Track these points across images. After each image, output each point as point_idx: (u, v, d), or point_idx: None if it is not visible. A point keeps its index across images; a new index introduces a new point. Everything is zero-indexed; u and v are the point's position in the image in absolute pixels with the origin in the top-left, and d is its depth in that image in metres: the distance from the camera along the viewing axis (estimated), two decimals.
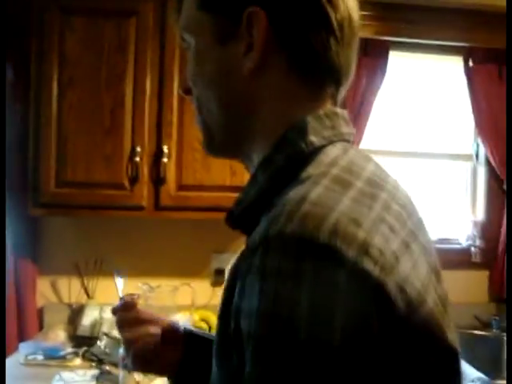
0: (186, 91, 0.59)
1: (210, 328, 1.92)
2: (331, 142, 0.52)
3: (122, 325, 0.74)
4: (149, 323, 0.74)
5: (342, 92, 0.57)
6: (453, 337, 0.45)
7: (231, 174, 1.77)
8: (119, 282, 0.87)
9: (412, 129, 2.27)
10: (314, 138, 0.51)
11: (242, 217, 0.55)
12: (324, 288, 0.37)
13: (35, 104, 1.79)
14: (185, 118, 1.77)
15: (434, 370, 0.42)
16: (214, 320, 1.95)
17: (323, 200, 0.42)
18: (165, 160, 1.75)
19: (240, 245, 1.89)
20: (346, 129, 0.55)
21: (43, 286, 2.05)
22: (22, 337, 1.94)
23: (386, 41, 2.07)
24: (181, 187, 1.77)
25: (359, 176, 0.47)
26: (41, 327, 2.04)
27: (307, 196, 0.42)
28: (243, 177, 1.76)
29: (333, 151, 0.50)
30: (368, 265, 0.38)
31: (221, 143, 0.59)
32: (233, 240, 2.08)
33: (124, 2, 1.78)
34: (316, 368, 0.35)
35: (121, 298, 0.78)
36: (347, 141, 0.54)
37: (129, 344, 0.73)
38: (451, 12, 2.02)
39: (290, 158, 0.50)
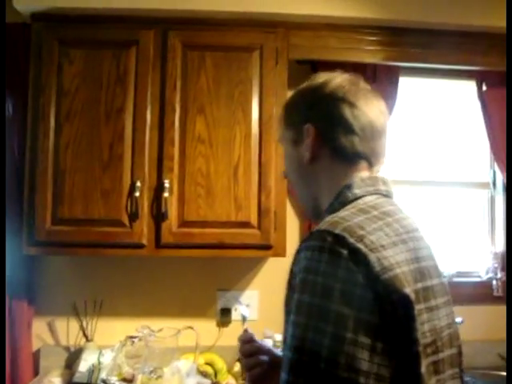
0: (286, 176, 0.95)
1: (215, 372, 1.80)
2: (370, 194, 0.82)
3: (243, 354, 0.98)
4: (262, 353, 0.97)
5: (378, 168, 0.88)
6: (414, 293, 0.71)
7: (236, 209, 1.67)
8: (244, 310, 1.00)
9: (425, 157, 2.18)
10: (357, 191, 0.81)
11: None
12: (334, 256, 0.68)
13: (32, 138, 1.72)
14: (187, 152, 1.69)
15: (394, 308, 0.67)
16: (219, 363, 1.83)
17: (345, 217, 0.74)
18: (166, 195, 1.66)
19: (245, 282, 1.77)
20: (383, 187, 0.85)
21: (39, 327, 1.94)
22: (14, 383, 1.83)
23: (396, 66, 1.99)
24: (183, 223, 1.68)
25: (377, 209, 0.77)
26: (36, 371, 1.93)
27: (337, 215, 0.75)
28: (249, 212, 1.67)
29: (368, 198, 0.81)
30: (360, 246, 0.69)
31: (313, 209, 0.90)
32: (238, 277, 1.98)
33: (123, 32, 1.72)
34: (324, 304, 0.66)
35: (245, 330, 1.01)
36: (384, 195, 0.84)
37: (247, 370, 0.97)
38: (463, 35, 1.93)
39: (341, 203, 0.80)
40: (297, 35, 1.82)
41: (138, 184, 1.66)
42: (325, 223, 0.72)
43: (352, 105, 0.83)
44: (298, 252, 0.72)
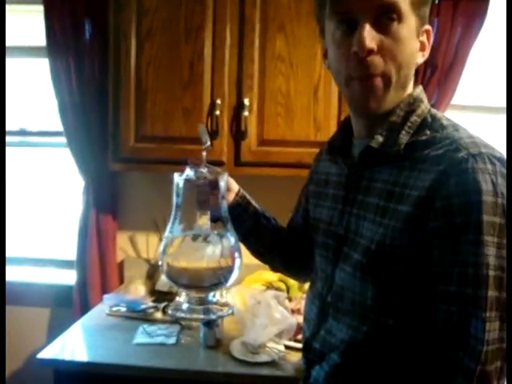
0: (370, 51, 0.80)
1: (288, 288, 1.89)
2: None
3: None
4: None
5: None
6: None
7: (316, 129, 1.67)
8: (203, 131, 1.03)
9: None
10: (426, 104, 0.90)
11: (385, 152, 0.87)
12: (504, 179, 0.76)
13: (114, 58, 1.76)
14: (267, 70, 1.68)
15: None
16: (291, 280, 1.91)
17: (478, 137, 0.82)
18: (246, 113, 1.68)
19: None
20: None
21: (122, 240, 2.09)
22: (104, 289, 2.00)
23: None
24: (262, 142, 1.71)
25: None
26: (121, 281, 2.09)
27: (471, 135, 0.82)
28: (328, 132, 1.67)
29: (436, 111, 0.90)
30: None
31: (397, 85, 0.86)
32: None
33: None
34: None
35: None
36: None
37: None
38: None
39: (421, 117, 0.88)
40: None
41: (218, 102, 1.69)
42: (475, 145, 0.77)
43: None
44: (461, 172, 0.75)
